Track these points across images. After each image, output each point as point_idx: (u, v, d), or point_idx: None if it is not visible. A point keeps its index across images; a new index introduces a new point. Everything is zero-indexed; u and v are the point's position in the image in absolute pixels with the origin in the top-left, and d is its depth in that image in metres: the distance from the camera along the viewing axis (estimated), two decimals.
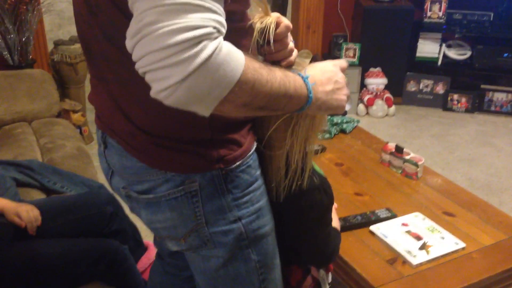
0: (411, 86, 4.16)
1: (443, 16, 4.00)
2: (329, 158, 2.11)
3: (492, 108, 4.05)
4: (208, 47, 0.79)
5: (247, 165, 1.06)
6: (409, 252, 1.55)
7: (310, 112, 1.04)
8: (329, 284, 1.36)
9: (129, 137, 1.03)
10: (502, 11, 4.04)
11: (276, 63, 1.10)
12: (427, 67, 4.12)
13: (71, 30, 3.55)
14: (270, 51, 1.05)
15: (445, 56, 4.13)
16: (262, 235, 1.12)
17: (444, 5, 3.98)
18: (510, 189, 3.03)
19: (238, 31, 0.98)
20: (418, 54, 4.13)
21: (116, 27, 0.91)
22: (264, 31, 1.02)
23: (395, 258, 1.55)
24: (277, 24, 1.04)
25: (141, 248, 2.08)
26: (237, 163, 1.04)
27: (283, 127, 1.07)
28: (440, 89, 4.12)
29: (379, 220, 1.69)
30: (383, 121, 3.92)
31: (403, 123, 3.89)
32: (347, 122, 2.37)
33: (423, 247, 1.57)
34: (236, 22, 0.97)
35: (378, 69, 3.98)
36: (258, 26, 1.02)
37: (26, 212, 1.69)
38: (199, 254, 1.12)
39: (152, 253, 2.04)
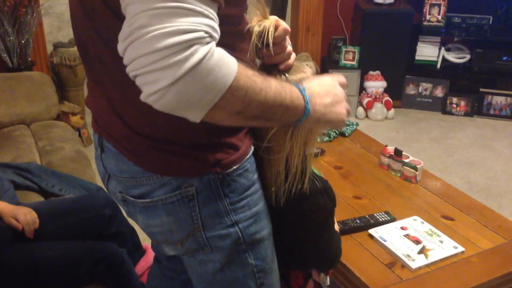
0: (410, 90, 4.16)
1: (442, 20, 4.01)
2: (328, 161, 2.11)
3: (491, 112, 4.05)
4: (199, 52, 0.78)
5: (244, 169, 1.06)
6: (408, 256, 1.55)
7: (308, 125, 1.02)
8: (327, 287, 1.36)
9: (125, 141, 1.03)
10: (501, 14, 4.04)
11: (274, 66, 1.10)
12: (426, 70, 4.13)
13: (71, 32, 3.52)
14: (268, 54, 1.05)
15: (444, 59, 4.13)
16: (259, 239, 1.11)
17: (443, 8, 3.98)
18: (509, 193, 3.03)
19: (235, 35, 0.98)
20: (417, 57, 4.13)
21: (111, 29, 0.91)
22: (262, 34, 1.01)
23: (394, 262, 1.54)
24: (276, 27, 1.04)
25: (140, 251, 2.07)
26: (234, 167, 1.04)
27: (282, 131, 1.07)
28: (439, 92, 4.12)
29: (378, 223, 1.68)
30: (382, 124, 3.92)
31: (402, 126, 3.89)
32: (346, 125, 2.37)
33: (422, 251, 1.57)
34: (233, 25, 0.97)
35: (377, 72, 3.98)
36: (256, 29, 1.02)
37: (23, 215, 1.69)
38: (196, 259, 1.12)
39: (150, 256, 2.04)
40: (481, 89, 4.03)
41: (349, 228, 1.65)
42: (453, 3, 4.00)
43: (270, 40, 1.02)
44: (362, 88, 4.01)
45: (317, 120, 1.01)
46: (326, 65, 4.05)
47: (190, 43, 0.78)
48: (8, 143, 2.48)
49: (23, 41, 3.11)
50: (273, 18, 1.05)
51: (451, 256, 1.56)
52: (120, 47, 0.81)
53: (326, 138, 2.28)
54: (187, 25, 0.78)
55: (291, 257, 1.22)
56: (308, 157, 1.12)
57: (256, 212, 1.09)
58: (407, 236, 1.63)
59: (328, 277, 1.36)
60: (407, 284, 1.47)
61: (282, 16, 3.79)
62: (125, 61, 0.81)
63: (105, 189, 1.21)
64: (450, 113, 4.09)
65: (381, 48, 3.96)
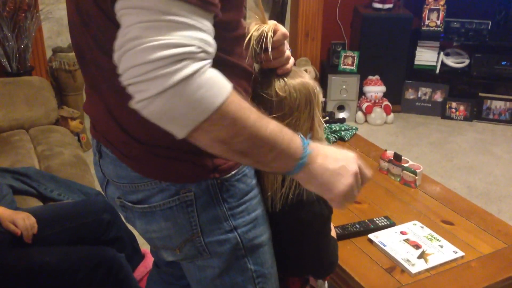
0: (410, 94, 4.17)
1: (441, 25, 4.01)
2: None
3: (491, 116, 4.05)
4: (190, 67, 0.78)
5: (242, 174, 1.06)
6: (407, 260, 1.54)
7: (299, 180, 0.98)
8: None
9: (123, 147, 1.03)
10: (500, 19, 4.05)
11: (272, 70, 1.10)
12: (426, 75, 4.13)
13: (70, 37, 3.54)
14: (267, 59, 1.05)
15: (443, 64, 4.14)
16: (258, 245, 1.11)
17: (442, 13, 3.99)
18: (508, 197, 3.02)
19: (233, 40, 0.98)
20: (416, 62, 4.13)
21: (106, 35, 0.91)
22: (261, 39, 1.01)
23: (393, 267, 1.54)
24: (274, 32, 1.04)
25: (138, 256, 2.07)
26: (233, 172, 1.04)
27: None
28: (438, 97, 4.12)
29: (377, 228, 1.68)
30: (382, 129, 3.92)
31: (401, 131, 3.89)
32: (345, 130, 2.37)
33: (422, 255, 1.57)
34: (231, 31, 0.96)
35: (377, 77, 3.99)
36: (255, 34, 1.02)
37: (22, 219, 1.69)
38: (195, 264, 1.11)
39: (149, 261, 2.03)
40: (480, 94, 4.04)
41: (349, 233, 1.65)
42: (452, 8, 4.01)
43: (269, 45, 1.02)
44: (361, 93, 4.01)
45: (309, 180, 0.95)
46: (325, 70, 4.05)
47: (180, 57, 0.78)
48: (7, 148, 2.48)
49: (22, 46, 3.11)
50: (272, 23, 1.05)
51: (451, 261, 1.56)
52: (115, 56, 0.82)
53: (326, 143, 2.28)
54: (178, 39, 0.78)
55: (288, 263, 1.22)
56: None
57: (255, 217, 1.09)
58: (406, 240, 1.63)
59: (326, 282, 1.36)
60: None
61: (282, 21, 3.80)
62: (119, 71, 0.82)
63: (103, 194, 1.20)
64: (449, 117, 4.09)
65: (380, 53, 3.96)
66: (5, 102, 2.71)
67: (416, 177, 1.94)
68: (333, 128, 2.37)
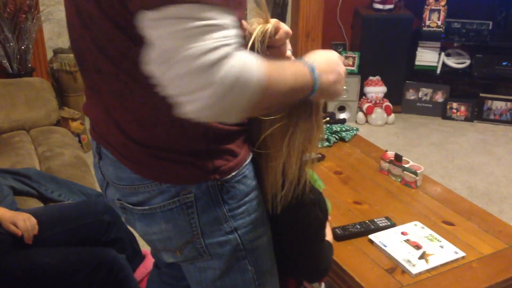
0: (410, 95, 4.16)
1: (442, 25, 4.01)
2: (328, 166, 2.11)
3: (491, 117, 4.05)
4: (233, 67, 0.80)
5: (243, 175, 1.06)
6: (408, 261, 1.54)
7: (313, 98, 1.05)
8: None
9: (123, 148, 1.03)
10: (501, 20, 4.05)
11: None
12: (426, 75, 4.13)
13: None
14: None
15: (444, 64, 4.13)
16: (258, 246, 1.11)
17: (443, 14, 3.99)
18: (510, 198, 3.02)
19: None
20: (417, 62, 4.13)
21: (109, 38, 0.91)
22: (263, 38, 1.01)
23: (394, 267, 1.54)
24: (276, 30, 1.04)
25: (139, 257, 2.07)
26: (233, 173, 1.04)
27: (279, 137, 1.06)
28: (439, 97, 4.12)
29: (378, 229, 1.68)
30: (383, 130, 3.91)
31: (402, 131, 3.89)
32: (346, 131, 2.37)
33: (423, 256, 1.56)
34: None
35: (377, 77, 3.99)
36: (258, 33, 1.01)
37: (22, 221, 1.69)
38: (195, 266, 1.11)
39: (149, 262, 2.03)
40: (481, 94, 4.03)
41: (349, 234, 1.65)
42: (453, 9, 4.01)
43: (268, 41, 1.01)
44: (362, 94, 4.01)
45: (321, 95, 1.03)
46: None
47: (221, 60, 0.79)
48: (7, 149, 2.48)
49: (23, 47, 3.11)
50: (274, 21, 1.05)
51: (452, 262, 1.56)
52: (151, 68, 0.82)
53: (326, 143, 2.28)
54: (215, 43, 0.79)
55: (286, 262, 1.22)
56: (305, 165, 1.11)
57: (256, 218, 1.09)
58: (407, 241, 1.63)
59: (323, 283, 1.36)
60: None
61: (282, 22, 3.79)
62: (162, 83, 0.82)
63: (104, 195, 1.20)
64: (450, 118, 4.09)
65: (381, 54, 3.96)
66: (6, 103, 2.71)
67: (417, 178, 1.94)
68: (334, 129, 2.36)
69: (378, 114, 3.94)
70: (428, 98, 4.14)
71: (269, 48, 1.03)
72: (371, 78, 3.99)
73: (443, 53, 4.12)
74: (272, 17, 1.06)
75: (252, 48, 1.00)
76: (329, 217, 1.38)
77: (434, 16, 4.00)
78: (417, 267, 1.52)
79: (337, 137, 2.33)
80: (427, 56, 4.12)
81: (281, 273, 1.21)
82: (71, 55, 3.34)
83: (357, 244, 1.63)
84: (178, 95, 0.81)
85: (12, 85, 2.82)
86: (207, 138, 1.00)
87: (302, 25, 4.04)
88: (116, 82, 0.96)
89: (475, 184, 3.17)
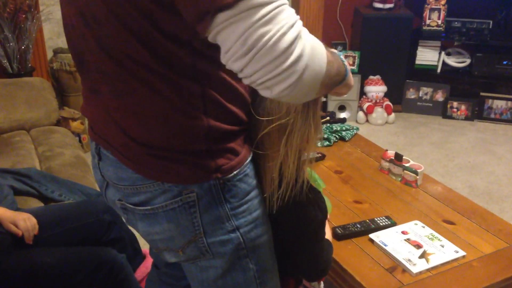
0: (411, 94, 4.16)
1: (442, 24, 4.01)
2: (329, 165, 2.11)
3: (492, 116, 4.04)
4: (305, 41, 0.84)
5: (244, 174, 1.06)
6: (409, 260, 1.54)
7: (344, 88, 1.07)
8: None
9: (124, 149, 1.03)
10: (501, 19, 4.05)
11: None
12: (427, 74, 4.13)
13: None
14: None
15: (444, 63, 4.13)
16: (260, 244, 1.11)
17: (443, 13, 3.99)
18: (510, 197, 3.02)
19: (220, 63, 0.94)
20: (417, 62, 4.13)
21: (115, 39, 0.91)
22: None
23: (394, 267, 1.53)
24: None
25: (140, 257, 2.07)
26: (234, 172, 1.04)
27: (277, 136, 1.06)
28: (439, 96, 4.12)
29: (378, 228, 1.68)
30: (383, 129, 3.91)
31: (402, 130, 3.89)
32: (346, 130, 2.37)
33: (423, 255, 1.56)
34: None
35: (378, 77, 3.98)
36: None
37: (23, 221, 1.68)
38: (197, 265, 1.11)
39: (150, 262, 2.03)
40: (482, 93, 4.03)
41: (350, 233, 1.64)
42: (453, 8, 4.01)
43: None
44: (362, 93, 4.01)
45: (343, 86, 1.05)
46: None
47: (298, 37, 0.82)
48: (8, 148, 2.48)
49: (23, 47, 3.11)
50: None
51: (452, 261, 1.56)
52: (233, 65, 0.84)
53: (326, 143, 2.28)
54: (288, 22, 0.81)
55: (284, 263, 1.22)
56: (302, 164, 1.11)
57: (257, 217, 1.09)
58: (408, 240, 1.63)
59: (322, 282, 1.36)
60: None
61: None
62: (245, 74, 0.84)
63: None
64: (450, 117, 4.09)
65: (381, 53, 3.96)
66: (6, 103, 2.71)
67: (417, 177, 1.94)
68: (334, 128, 2.36)
69: (379, 114, 3.94)
70: (428, 97, 4.14)
71: None
72: (371, 77, 3.99)
73: (443, 52, 4.12)
74: None
75: None
76: (328, 216, 1.38)
77: (434, 15, 4.00)
78: (418, 266, 1.52)
79: (337, 136, 2.33)
80: (427, 55, 4.12)
81: (281, 272, 1.21)
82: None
83: (357, 243, 1.63)
84: (265, 81, 0.84)
85: (12, 85, 2.82)
86: (209, 138, 1.00)
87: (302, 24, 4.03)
88: (118, 82, 0.96)
89: (475, 183, 3.17)
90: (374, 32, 3.92)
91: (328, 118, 2.46)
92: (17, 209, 1.84)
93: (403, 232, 1.67)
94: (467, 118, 4.06)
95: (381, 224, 1.69)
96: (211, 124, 0.98)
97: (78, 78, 3.36)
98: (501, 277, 1.51)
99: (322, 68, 0.87)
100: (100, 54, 0.96)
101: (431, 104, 4.14)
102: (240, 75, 0.85)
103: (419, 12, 4.00)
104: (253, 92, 1.08)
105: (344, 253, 1.57)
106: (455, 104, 4.07)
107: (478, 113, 4.06)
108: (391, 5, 3.96)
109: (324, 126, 2.37)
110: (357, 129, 2.43)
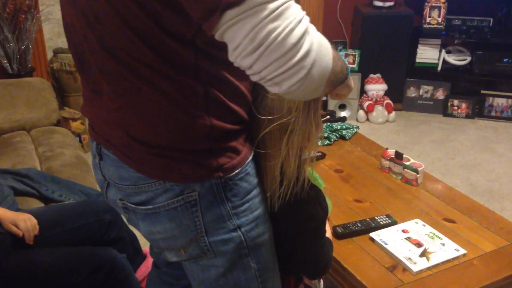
0: (411, 92, 4.16)
1: (442, 22, 4.00)
2: (329, 164, 2.11)
3: (493, 114, 4.04)
4: (312, 38, 0.84)
5: (245, 173, 1.06)
6: (409, 259, 1.54)
7: (345, 88, 1.07)
8: None
9: (126, 148, 1.03)
10: (502, 16, 4.04)
11: None
12: (427, 73, 4.12)
13: None
14: None
15: (445, 61, 4.13)
16: (261, 243, 1.11)
17: (443, 11, 3.98)
18: (511, 195, 3.02)
19: (222, 62, 0.95)
20: (417, 60, 4.13)
21: (118, 38, 0.91)
22: None
23: (395, 265, 1.53)
24: None
25: (140, 256, 2.07)
26: (236, 171, 1.04)
27: (278, 135, 1.07)
28: (440, 94, 4.11)
29: (379, 227, 1.68)
30: (383, 127, 3.91)
31: (403, 129, 3.89)
32: (346, 129, 2.37)
33: (424, 254, 1.56)
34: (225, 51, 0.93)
35: (378, 75, 3.98)
36: None
37: (23, 221, 1.69)
38: (198, 264, 1.11)
39: (151, 261, 2.03)
40: (482, 91, 4.03)
41: (350, 232, 1.64)
42: (453, 5, 4.00)
43: None
44: (362, 91, 4.01)
45: (345, 85, 1.05)
46: None
47: (305, 32, 0.82)
48: (8, 149, 2.48)
49: (23, 47, 3.11)
50: None
51: (453, 259, 1.55)
52: (242, 62, 0.83)
53: (327, 142, 2.28)
54: (296, 17, 0.82)
55: (285, 261, 1.22)
56: (303, 163, 1.11)
57: (258, 215, 1.09)
58: (408, 239, 1.63)
59: (321, 280, 1.36)
60: (409, 287, 1.46)
61: None
62: (254, 71, 0.84)
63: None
64: (451, 115, 4.08)
65: (382, 51, 3.95)
66: (6, 103, 2.71)
67: (418, 175, 1.94)
68: (334, 127, 2.36)
69: (379, 112, 3.94)
70: (429, 95, 4.14)
71: None
72: (371, 75, 3.98)
73: (443, 50, 4.11)
74: None
75: None
76: (329, 215, 1.38)
77: (435, 13, 4.00)
78: (418, 265, 1.52)
79: (337, 135, 2.32)
80: (427, 53, 4.11)
81: (281, 270, 1.21)
82: (71, 55, 3.34)
83: (358, 242, 1.63)
84: (274, 77, 0.84)
85: (12, 85, 2.82)
86: (211, 137, 1.00)
87: None
88: (120, 82, 0.96)
89: (476, 181, 3.16)
90: (374, 30, 3.91)
91: (328, 116, 2.46)
92: (18, 210, 1.84)
93: (403, 231, 1.66)
94: (467, 116, 4.06)
95: (381, 222, 1.69)
96: (213, 123, 0.98)
97: (78, 78, 3.36)
98: (502, 275, 1.51)
99: (328, 64, 0.87)
100: (103, 53, 0.96)
101: (431, 102, 4.14)
102: (248, 72, 0.85)
103: (419, 10, 4.00)
104: (254, 91, 1.08)
105: (344, 252, 1.57)
106: (455, 102, 4.07)
107: (479, 111, 4.05)
108: (391, 3, 3.96)
109: (325, 124, 2.36)
110: (358, 127, 2.43)
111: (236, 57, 0.83)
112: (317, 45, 0.84)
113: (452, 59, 4.14)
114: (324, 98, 3.87)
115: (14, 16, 3.01)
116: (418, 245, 1.60)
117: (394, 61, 3.99)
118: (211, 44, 0.89)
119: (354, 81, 4.29)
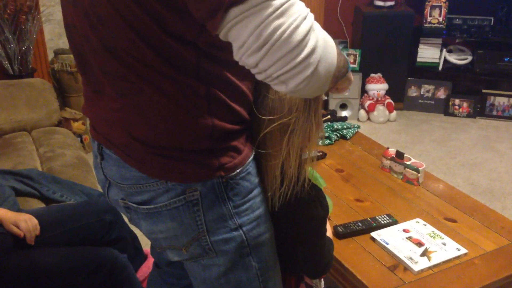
0: (412, 92, 4.16)
1: (443, 21, 4.00)
2: (330, 164, 2.10)
3: (494, 113, 4.04)
4: (316, 35, 0.84)
5: (247, 172, 1.06)
6: (410, 258, 1.54)
7: (346, 80, 1.07)
8: None
9: (127, 148, 1.03)
10: (502, 15, 4.04)
11: None
12: (428, 72, 4.12)
13: None
14: None
15: (446, 61, 4.12)
16: (262, 242, 1.11)
17: (444, 10, 3.98)
18: None
19: (223, 63, 0.96)
20: (418, 59, 4.13)
21: (120, 39, 0.92)
22: None
23: (396, 265, 1.53)
24: None
25: (141, 257, 2.07)
26: (237, 170, 1.04)
27: (279, 135, 1.07)
28: (441, 94, 4.11)
29: (380, 226, 1.67)
30: (384, 127, 3.91)
31: (404, 128, 3.88)
32: (347, 128, 2.36)
33: (425, 253, 1.56)
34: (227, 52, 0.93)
35: (379, 74, 3.98)
36: None
37: (24, 221, 1.69)
38: (199, 263, 1.11)
39: (152, 261, 2.03)
40: (484, 90, 4.03)
41: (351, 231, 1.64)
42: (454, 5, 4.00)
43: None
44: (363, 91, 4.00)
45: (345, 79, 1.05)
46: None
47: (311, 29, 0.82)
48: (9, 149, 2.48)
49: (23, 48, 3.12)
50: None
51: (454, 258, 1.55)
52: (247, 60, 0.83)
53: (328, 141, 2.27)
54: (301, 14, 0.81)
55: (286, 260, 1.22)
56: (304, 162, 1.11)
57: (259, 215, 1.09)
58: (409, 238, 1.62)
59: (322, 280, 1.35)
60: (410, 287, 1.46)
61: None
62: (259, 69, 0.84)
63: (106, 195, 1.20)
64: (452, 114, 4.08)
65: (382, 51, 3.95)
66: (7, 104, 2.71)
67: (419, 175, 1.94)
68: (335, 127, 2.36)
69: (380, 111, 3.94)
70: (430, 94, 4.13)
71: None
72: (372, 75, 3.98)
73: (444, 50, 4.11)
74: None
75: None
76: (330, 215, 1.38)
77: (435, 12, 3.99)
78: (419, 264, 1.52)
79: (338, 134, 2.32)
80: (428, 53, 4.11)
81: (282, 269, 1.21)
82: (72, 56, 3.34)
83: (359, 241, 1.63)
84: (281, 75, 0.83)
85: (13, 86, 2.82)
86: (213, 137, 1.00)
87: None
88: (122, 82, 0.96)
89: (477, 180, 3.16)
90: (375, 30, 3.91)
91: (329, 116, 2.46)
92: (19, 210, 1.84)
93: (404, 230, 1.66)
94: (469, 115, 4.05)
95: (382, 222, 1.69)
96: (215, 123, 0.98)
97: (79, 78, 3.38)
98: (503, 275, 1.51)
99: (334, 60, 0.87)
100: (104, 54, 0.96)
101: (432, 102, 4.14)
102: (254, 71, 0.85)
103: (420, 10, 4.00)
104: (256, 91, 1.08)
105: (345, 252, 1.57)
106: (457, 101, 4.06)
107: (480, 110, 4.05)
108: (391, 3, 3.95)
109: (325, 124, 2.36)
110: (358, 127, 2.42)
111: (241, 55, 0.83)
112: (322, 41, 0.84)
113: (453, 58, 4.13)
114: (325, 97, 3.87)
115: (15, 17, 3.02)
116: (419, 244, 1.60)
117: (395, 60, 3.98)
118: (213, 45, 0.89)
119: (355, 80, 4.31)
